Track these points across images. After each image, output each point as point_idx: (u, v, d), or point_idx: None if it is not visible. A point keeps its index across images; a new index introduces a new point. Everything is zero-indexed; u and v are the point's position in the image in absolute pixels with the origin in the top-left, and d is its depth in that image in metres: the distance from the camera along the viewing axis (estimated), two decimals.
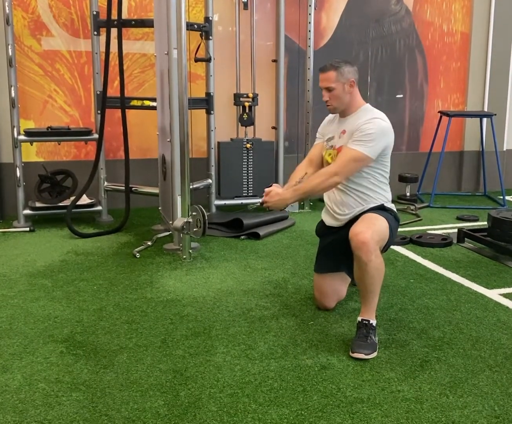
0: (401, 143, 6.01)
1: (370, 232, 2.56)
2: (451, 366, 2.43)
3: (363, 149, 2.67)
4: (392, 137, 2.78)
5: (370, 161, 2.71)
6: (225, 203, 5.07)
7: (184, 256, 3.76)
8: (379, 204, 2.81)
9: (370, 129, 2.68)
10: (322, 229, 3.05)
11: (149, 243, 4.05)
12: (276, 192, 2.80)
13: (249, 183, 5.07)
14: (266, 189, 2.84)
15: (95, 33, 4.58)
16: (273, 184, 2.91)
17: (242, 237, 4.32)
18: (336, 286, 2.98)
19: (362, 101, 2.85)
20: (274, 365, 2.42)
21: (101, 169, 4.72)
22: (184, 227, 3.64)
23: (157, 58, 4.20)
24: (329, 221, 2.96)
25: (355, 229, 2.60)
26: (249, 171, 5.06)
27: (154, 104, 4.38)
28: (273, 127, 5.27)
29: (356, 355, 2.47)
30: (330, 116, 3.00)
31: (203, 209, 3.60)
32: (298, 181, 2.88)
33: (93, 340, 2.63)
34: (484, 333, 2.74)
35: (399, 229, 4.47)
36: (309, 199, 5.28)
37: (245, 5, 5.06)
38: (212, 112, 4.91)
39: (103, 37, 4.46)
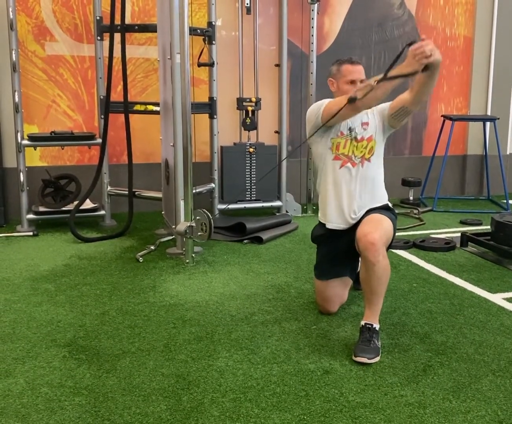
0: (404, 147, 6.01)
1: (378, 233, 2.57)
2: (454, 370, 2.42)
3: None
4: None
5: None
6: (228, 208, 5.07)
7: (187, 261, 3.76)
8: (384, 203, 2.84)
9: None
10: (323, 236, 2.98)
11: (152, 247, 4.05)
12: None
13: (252, 187, 5.07)
14: (424, 40, 2.42)
15: (99, 38, 4.60)
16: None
17: (245, 241, 4.32)
18: (339, 291, 2.97)
19: None
20: (276, 369, 2.42)
21: (105, 173, 4.73)
22: (187, 231, 3.65)
23: (160, 63, 4.22)
24: (336, 225, 2.88)
25: (363, 230, 2.61)
26: (252, 175, 5.06)
27: (157, 108, 4.39)
28: (276, 132, 5.26)
29: (359, 359, 2.47)
30: None
31: (209, 213, 3.60)
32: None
33: (95, 344, 2.64)
34: (488, 338, 2.73)
35: (403, 233, 4.52)
36: (312, 203, 5.28)
37: (248, 10, 5.07)
38: (215, 116, 4.92)
39: (106, 42, 4.47)
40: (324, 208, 2.93)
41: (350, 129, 2.85)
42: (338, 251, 2.92)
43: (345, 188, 2.83)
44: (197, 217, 3.65)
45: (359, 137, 2.84)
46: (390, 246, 2.83)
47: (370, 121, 2.87)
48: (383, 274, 2.56)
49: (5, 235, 4.41)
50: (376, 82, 2.51)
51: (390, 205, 2.89)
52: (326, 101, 2.82)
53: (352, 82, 2.81)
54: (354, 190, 2.82)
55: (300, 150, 5.48)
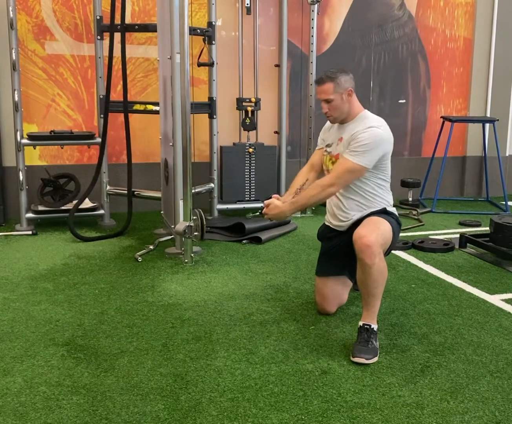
0: (404, 148, 6.01)
1: (374, 235, 2.57)
2: (452, 371, 2.42)
3: (358, 160, 2.69)
4: (391, 143, 2.78)
5: (366, 171, 2.73)
6: (227, 208, 5.08)
7: (186, 260, 3.76)
8: (381, 207, 2.82)
9: (365, 139, 2.69)
10: (325, 232, 3.06)
11: (151, 247, 4.05)
12: (275, 205, 2.82)
13: (251, 187, 5.07)
14: (266, 202, 2.87)
15: (99, 37, 4.60)
16: (273, 196, 2.91)
17: (244, 241, 4.32)
18: (337, 290, 2.98)
19: (360, 108, 2.86)
20: (274, 369, 2.42)
21: (104, 173, 4.73)
22: (186, 231, 3.65)
23: (160, 62, 4.22)
24: (334, 223, 2.95)
25: (359, 232, 2.61)
26: (252, 176, 5.06)
27: (157, 108, 4.39)
28: (276, 132, 5.27)
29: (357, 359, 2.47)
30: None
31: (202, 213, 3.60)
32: (299, 189, 2.93)
33: (94, 343, 2.64)
34: (486, 339, 2.73)
35: (402, 234, 4.51)
36: None
37: (248, 10, 5.08)
38: (214, 116, 4.92)
39: (106, 42, 4.48)
40: (326, 212, 3.05)
41: (328, 145, 2.94)
42: (337, 249, 2.93)
43: (333, 201, 2.93)
44: (194, 217, 3.66)
45: (333, 153, 2.89)
46: (390, 251, 2.84)
47: (344, 140, 2.82)
48: (379, 276, 2.56)
49: (4, 234, 4.41)
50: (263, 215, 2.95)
51: (389, 209, 2.85)
52: (316, 149, 3.09)
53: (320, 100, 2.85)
54: (339, 202, 2.89)
55: (300, 150, 5.49)
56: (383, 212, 2.81)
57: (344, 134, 2.82)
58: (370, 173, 2.76)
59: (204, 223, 3.57)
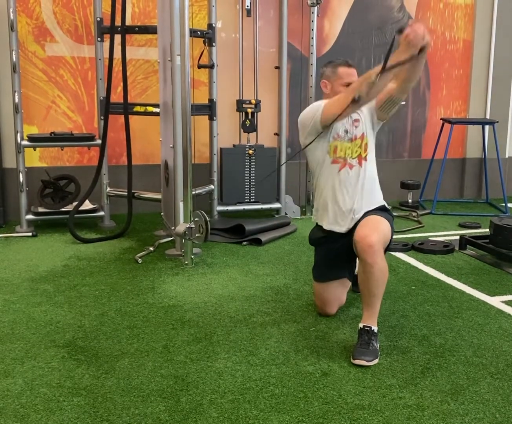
0: (403, 150, 6.02)
1: (376, 235, 2.58)
2: (452, 373, 2.43)
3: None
4: None
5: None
6: (227, 209, 5.08)
7: (186, 262, 3.77)
8: (382, 204, 2.84)
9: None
10: (321, 238, 2.97)
11: (151, 248, 4.05)
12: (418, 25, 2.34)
13: (251, 189, 5.07)
14: (413, 24, 2.34)
15: (99, 39, 4.60)
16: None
17: (244, 243, 4.32)
18: (337, 293, 2.98)
19: None
20: (275, 371, 2.42)
21: (104, 174, 4.73)
22: (186, 232, 3.65)
23: (160, 64, 4.22)
24: (336, 228, 2.87)
25: (360, 232, 2.61)
26: (252, 177, 5.06)
27: (157, 110, 4.39)
28: (276, 134, 5.28)
29: (357, 362, 2.47)
30: None
31: (206, 215, 3.61)
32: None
33: (94, 345, 2.64)
34: (486, 340, 2.73)
35: (401, 236, 4.53)
36: (311, 205, 5.27)
37: (248, 12, 5.08)
38: (214, 118, 4.93)
39: (106, 43, 4.48)
40: (323, 212, 2.91)
41: (347, 131, 2.83)
42: (336, 252, 2.92)
43: (345, 192, 2.81)
44: (195, 219, 3.66)
45: (352, 136, 2.82)
46: (388, 248, 2.84)
47: (360, 118, 2.84)
48: (380, 276, 2.56)
49: (4, 236, 4.41)
50: (377, 76, 2.40)
51: (386, 206, 2.89)
52: (321, 104, 2.77)
53: (349, 85, 2.74)
54: (354, 193, 2.80)
55: (300, 152, 5.48)
56: (381, 209, 2.82)
57: (354, 115, 2.81)
58: (374, 155, 2.87)
59: (209, 225, 3.57)
